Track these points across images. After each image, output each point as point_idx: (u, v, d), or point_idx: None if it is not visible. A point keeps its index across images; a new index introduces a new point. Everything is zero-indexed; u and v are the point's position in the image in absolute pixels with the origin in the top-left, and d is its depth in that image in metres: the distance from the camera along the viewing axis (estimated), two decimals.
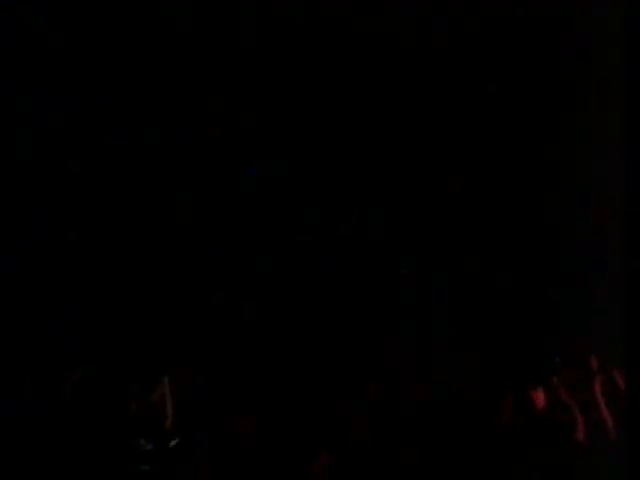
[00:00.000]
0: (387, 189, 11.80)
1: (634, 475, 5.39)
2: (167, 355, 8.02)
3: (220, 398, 7.13)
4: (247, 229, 11.05)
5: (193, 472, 6.19)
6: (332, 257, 11.69)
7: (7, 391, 6.71)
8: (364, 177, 11.49)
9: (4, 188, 9.12)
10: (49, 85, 9.22)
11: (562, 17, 8.52)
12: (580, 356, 7.27)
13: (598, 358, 7.06)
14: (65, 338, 8.47)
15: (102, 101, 9.79)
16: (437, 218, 11.25)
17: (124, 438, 6.30)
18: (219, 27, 9.08)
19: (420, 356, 8.66)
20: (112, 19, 8.80)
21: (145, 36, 9.19)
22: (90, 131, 9.84)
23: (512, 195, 10.97)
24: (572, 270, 9.73)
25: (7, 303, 8.69)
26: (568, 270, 9.83)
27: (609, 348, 7.00)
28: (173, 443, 6.30)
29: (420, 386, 7.39)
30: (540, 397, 6.59)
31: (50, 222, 9.47)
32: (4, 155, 9.04)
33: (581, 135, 9.54)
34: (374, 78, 10.00)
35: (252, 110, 10.48)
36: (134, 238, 10.25)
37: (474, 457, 6.18)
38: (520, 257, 10.73)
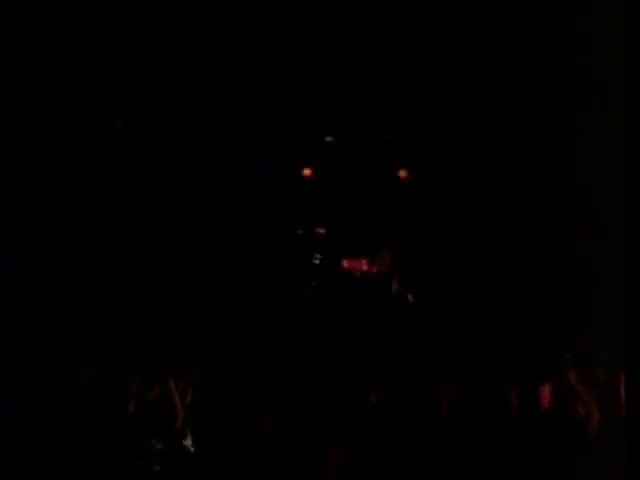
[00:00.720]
0: (387, 189, 11.81)
1: (634, 475, 5.38)
2: (167, 355, 8.01)
3: (220, 398, 7.13)
4: (247, 229, 11.05)
5: (194, 471, 6.19)
6: (332, 257, 11.69)
7: (7, 391, 6.71)
8: (364, 177, 11.50)
9: (4, 188, 9.11)
10: (49, 85, 9.21)
11: (562, 17, 8.50)
12: (583, 355, 7.27)
13: (598, 357, 7.07)
14: (65, 338, 8.46)
15: (102, 101, 9.78)
16: (437, 218, 11.25)
17: (125, 438, 6.30)
18: (219, 27, 9.07)
19: (421, 356, 8.65)
20: (112, 19, 8.80)
21: (145, 36, 9.18)
22: (90, 131, 9.83)
23: (512, 195, 10.97)
24: (572, 270, 9.72)
25: (7, 303, 8.68)
26: (568, 270, 9.82)
27: (609, 348, 7.00)
28: (183, 443, 6.29)
29: (421, 386, 7.38)
30: (547, 393, 6.59)
31: (50, 222, 9.46)
32: (4, 155, 9.04)
33: (581, 135, 9.53)
34: (374, 78, 10.00)
35: (252, 110, 10.48)
36: (134, 238, 10.25)
37: (474, 457, 6.18)
38: (520, 257, 10.72)
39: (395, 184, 11.83)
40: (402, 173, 11.81)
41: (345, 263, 11.56)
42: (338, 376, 7.75)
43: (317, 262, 11.61)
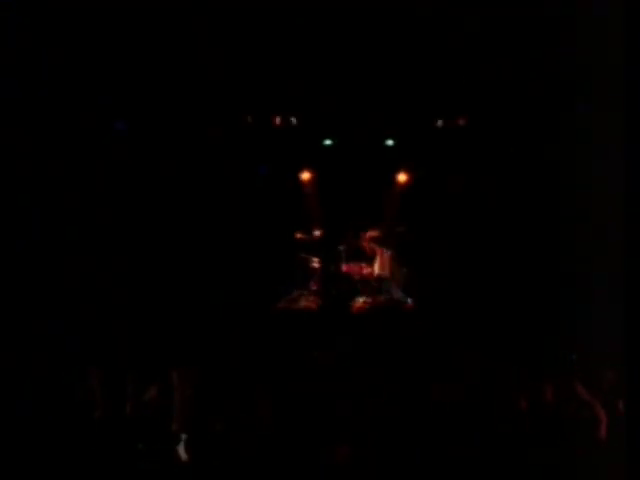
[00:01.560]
0: (387, 188, 11.83)
1: (634, 475, 5.39)
2: (167, 355, 8.01)
3: (220, 397, 7.14)
4: (248, 228, 11.07)
5: (195, 472, 6.20)
6: (332, 256, 11.71)
7: (7, 391, 6.71)
8: (364, 176, 11.51)
9: (4, 188, 9.11)
10: (49, 85, 9.22)
11: (562, 17, 8.51)
12: (584, 355, 7.28)
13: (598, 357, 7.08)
14: (65, 338, 8.47)
15: (102, 101, 9.79)
16: (438, 219, 11.27)
17: (123, 438, 6.31)
18: (219, 27, 9.07)
19: (421, 356, 8.67)
20: (112, 19, 8.80)
21: (145, 36, 9.19)
22: (90, 131, 9.84)
23: (512, 195, 10.98)
24: (572, 270, 9.73)
25: (7, 303, 8.69)
26: (568, 270, 9.83)
27: (609, 348, 7.01)
28: (183, 443, 6.29)
29: (422, 387, 7.39)
30: (551, 394, 6.60)
31: (50, 222, 9.47)
32: (4, 155, 9.04)
33: (581, 135, 9.54)
34: (374, 78, 10.01)
35: (257, 109, 10.51)
36: (134, 238, 10.25)
37: (474, 457, 6.18)
38: (520, 257, 10.73)
39: (395, 185, 11.86)
40: (402, 174, 11.82)
41: (345, 267, 11.57)
42: (339, 376, 7.76)
43: (316, 265, 11.62)
